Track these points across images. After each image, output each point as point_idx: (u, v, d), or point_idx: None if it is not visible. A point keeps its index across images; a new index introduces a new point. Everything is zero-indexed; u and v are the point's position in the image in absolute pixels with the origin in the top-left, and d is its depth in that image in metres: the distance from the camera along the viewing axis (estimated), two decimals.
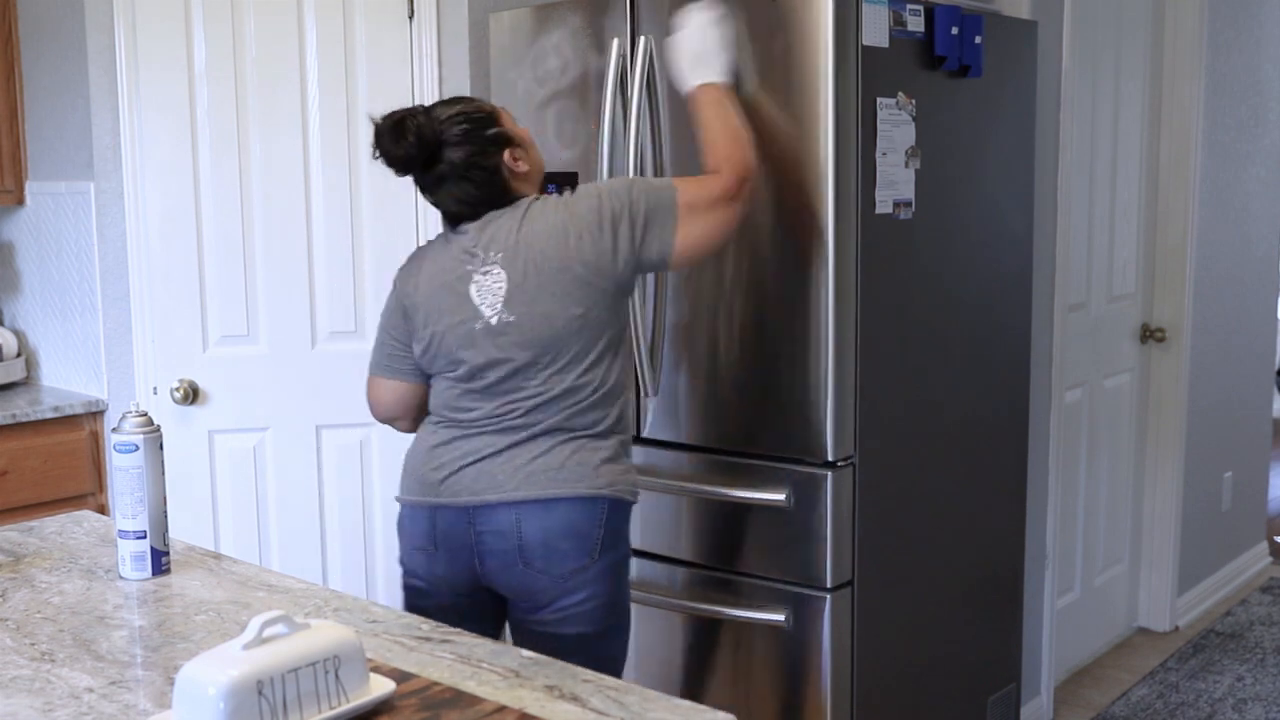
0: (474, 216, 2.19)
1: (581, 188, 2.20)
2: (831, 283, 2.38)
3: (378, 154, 2.16)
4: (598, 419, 2.16)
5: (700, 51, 2.33)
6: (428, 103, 2.39)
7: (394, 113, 2.17)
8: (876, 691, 2.57)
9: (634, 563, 2.71)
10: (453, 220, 2.22)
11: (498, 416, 2.15)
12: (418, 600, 2.23)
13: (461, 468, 2.16)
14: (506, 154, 2.18)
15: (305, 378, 3.10)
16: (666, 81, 2.57)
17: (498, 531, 2.12)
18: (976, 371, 2.85)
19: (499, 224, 2.16)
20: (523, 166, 2.21)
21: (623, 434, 2.21)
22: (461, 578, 2.18)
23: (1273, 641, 4.04)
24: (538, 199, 2.19)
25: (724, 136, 2.25)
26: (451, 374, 2.19)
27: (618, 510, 2.16)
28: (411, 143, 2.13)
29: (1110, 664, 3.91)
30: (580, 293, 2.11)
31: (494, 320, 2.13)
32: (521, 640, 2.18)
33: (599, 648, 2.15)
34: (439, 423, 2.22)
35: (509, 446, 2.14)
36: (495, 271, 2.14)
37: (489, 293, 2.14)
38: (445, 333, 2.17)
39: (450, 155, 2.15)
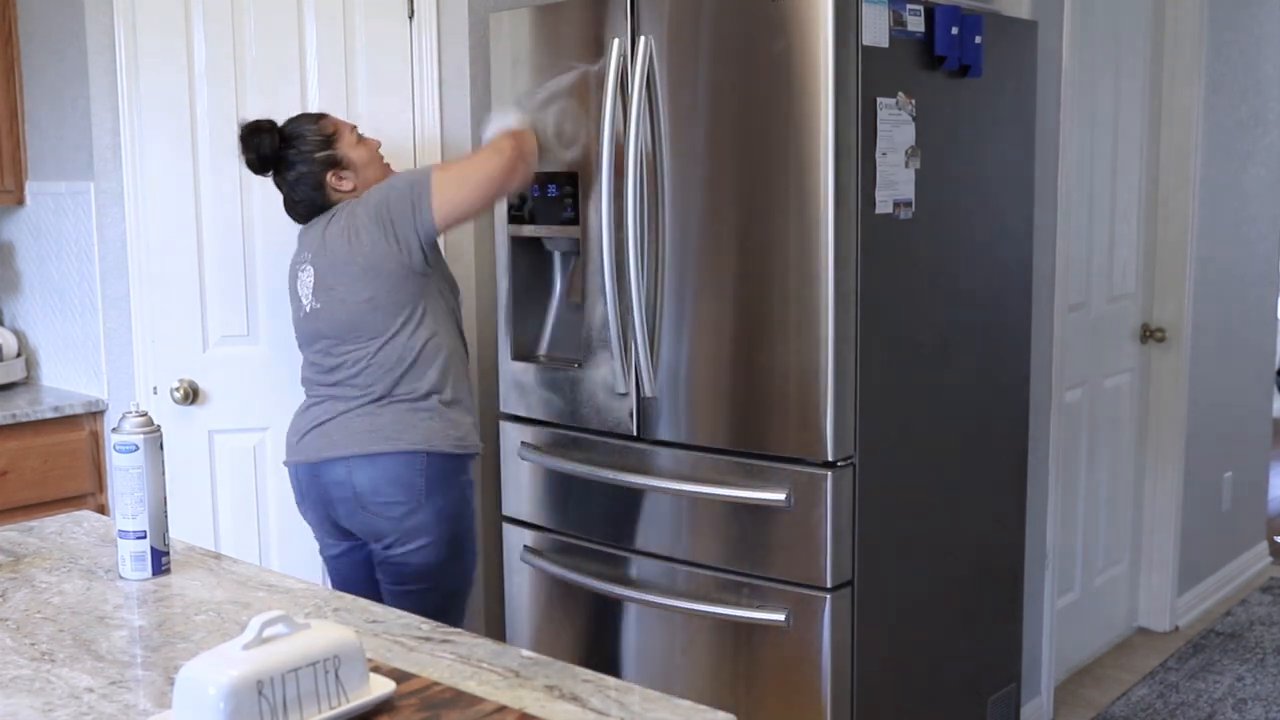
0: (305, 218, 2.68)
1: (367, 193, 2.61)
2: (831, 283, 2.38)
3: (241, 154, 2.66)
4: (413, 385, 2.56)
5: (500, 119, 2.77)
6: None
7: (253, 122, 2.66)
8: (876, 691, 2.57)
9: (634, 562, 2.72)
10: (293, 218, 2.71)
11: (331, 385, 2.61)
12: (321, 550, 2.75)
13: (309, 430, 2.62)
14: (330, 174, 2.63)
15: None
16: (666, 81, 2.57)
17: (337, 482, 2.57)
18: (976, 371, 2.85)
19: (315, 229, 2.64)
20: (346, 186, 2.65)
21: (442, 393, 2.60)
22: (327, 523, 2.66)
23: (1273, 641, 4.04)
24: (343, 206, 2.62)
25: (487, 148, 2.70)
26: (303, 353, 2.70)
27: (438, 461, 2.56)
28: (253, 154, 2.63)
29: (1110, 664, 3.91)
30: (365, 280, 2.54)
31: (308, 308, 2.63)
32: (384, 572, 2.63)
33: (441, 576, 2.61)
34: (306, 394, 2.71)
35: (343, 412, 2.58)
36: (307, 268, 2.63)
37: (306, 286, 2.62)
38: (293, 321, 2.70)
39: (287, 168, 2.64)
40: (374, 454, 2.54)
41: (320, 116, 2.70)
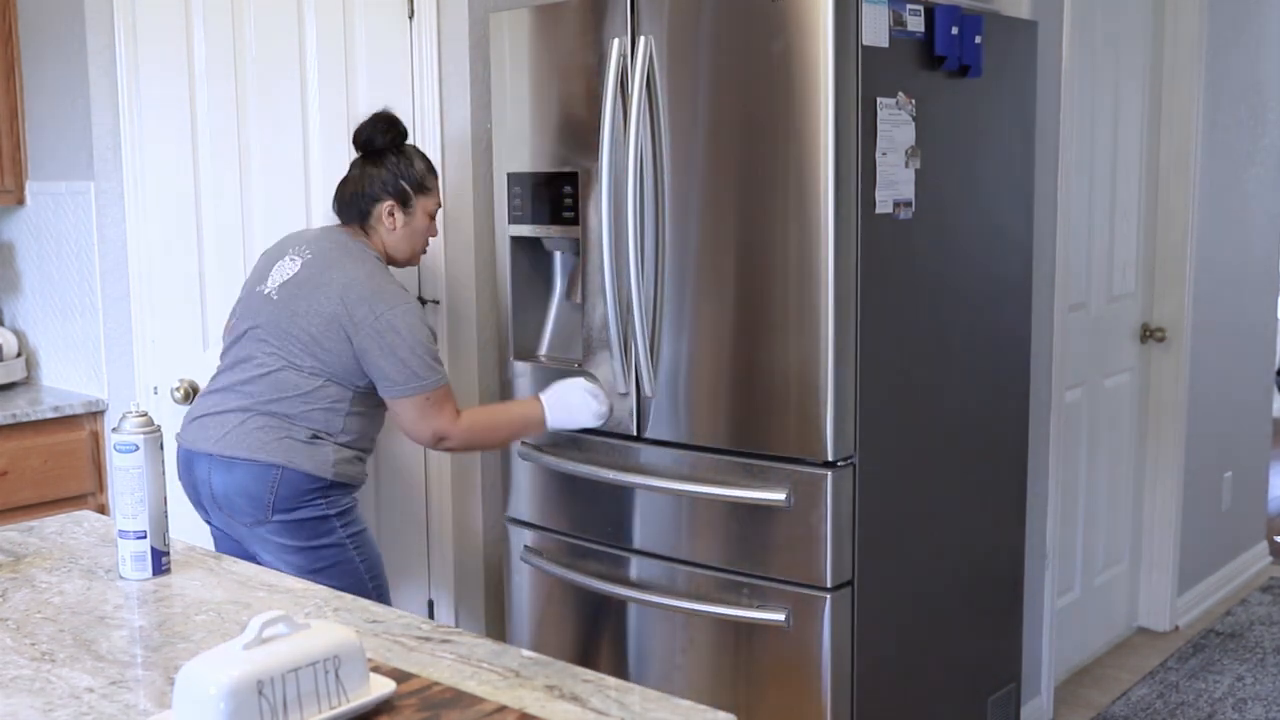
0: (340, 214, 2.67)
1: (386, 305, 2.51)
2: (831, 282, 2.38)
3: (360, 127, 2.65)
4: (298, 411, 2.51)
5: (565, 416, 2.70)
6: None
7: (394, 116, 2.66)
8: (876, 691, 2.57)
9: (634, 562, 2.72)
10: (334, 205, 2.68)
11: (230, 379, 2.58)
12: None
13: (195, 418, 2.61)
14: (388, 204, 2.62)
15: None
16: (666, 81, 2.57)
17: (201, 479, 2.56)
18: (976, 371, 2.85)
19: (331, 242, 2.61)
20: (387, 226, 2.63)
21: (321, 433, 2.53)
22: (200, 509, 2.63)
23: (1273, 641, 4.05)
24: (368, 257, 2.58)
25: (495, 429, 2.71)
26: (225, 332, 2.68)
27: (293, 480, 2.49)
28: (369, 135, 2.62)
29: (1110, 664, 3.91)
30: (328, 329, 2.50)
31: (267, 291, 2.57)
32: None
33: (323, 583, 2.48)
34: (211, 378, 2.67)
35: (224, 410, 2.55)
36: (295, 261, 2.58)
37: (282, 271, 2.58)
38: (241, 294, 2.68)
39: (380, 162, 2.62)
40: (230, 458, 2.51)
41: (434, 169, 2.71)
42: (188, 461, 2.60)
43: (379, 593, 2.64)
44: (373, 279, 2.54)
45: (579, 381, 2.70)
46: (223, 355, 2.66)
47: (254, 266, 2.72)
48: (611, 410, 2.68)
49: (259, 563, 2.56)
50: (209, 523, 2.65)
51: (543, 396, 2.69)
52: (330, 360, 2.52)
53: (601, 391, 2.69)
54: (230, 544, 2.63)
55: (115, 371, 3.14)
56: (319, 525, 2.55)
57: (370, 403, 2.60)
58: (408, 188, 2.63)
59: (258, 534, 2.54)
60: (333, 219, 2.72)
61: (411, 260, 2.73)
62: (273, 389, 2.53)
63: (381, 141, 2.62)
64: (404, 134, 2.67)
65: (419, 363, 2.51)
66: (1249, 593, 4.56)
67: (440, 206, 2.74)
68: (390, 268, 2.67)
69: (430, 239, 2.74)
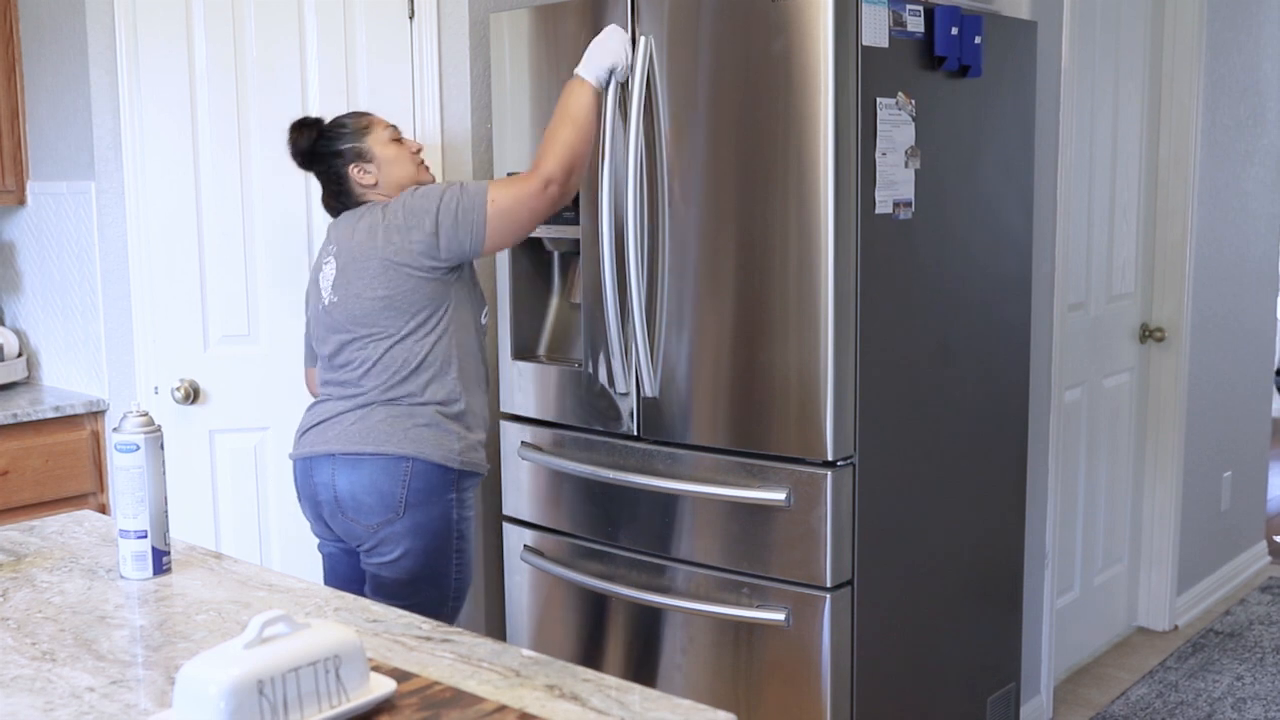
0: (335, 211, 2.68)
1: (404, 194, 2.57)
2: (831, 283, 2.39)
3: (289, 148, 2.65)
4: (414, 390, 2.51)
5: (596, 52, 2.58)
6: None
7: (300, 119, 2.67)
8: (876, 691, 2.57)
9: (634, 561, 2.72)
10: (327, 210, 2.71)
11: (338, 385, 2.57)
12: (319, 545, 2.69)
13: (310, 427, 2.60)
14: (353, 166, 2.61)
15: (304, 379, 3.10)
16: (666, 81, 2.57)
17: (323, 483, 2.54)
18: (976, 371, 2.85)
19: (345, 223, 2.62)
20: (367, 180, 2.61)
21: (445, 404, 2.53)
22: (319, 521, 2.61)
23: (1272, 641, 4.05)
24: (376, 204, 2.59)
25: (557, 130, 2.54)
26: (318, 350, 2.66)
27: (424, 472, 2.48)
28: (292, 148, 2.65)
29: (1110, 663, 3.92)
30: (384, 277, 2.50)
31: (326, 301, 2.59)
32: (367, 578, 2.58)
33: (415, 595, 2.50)
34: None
35: (341, 412, 2.54)
36: (330, 261, 2.60)
37: (327, 279, 2.59)
38: (311, 316, 2.68)
39: (320, 161, 2.64)
40: (357, 454, 2.49)
41: (362, 114, 2.70)
42: (306, 470, 2.58)
43: (452, 613, 2.61)
44: (382, 209, 2.56)
45: (614, 29, 2.61)
46: (320, 384, 2.67)
47: (305, 293, 2.77)
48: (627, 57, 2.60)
49: (363, 592, 2.56)
50: (326, 538, 2.64)
51: (579, 69, 2.58)
52: (404, 287, 2.50)
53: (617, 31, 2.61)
54: (345, 567, 2.63)
55: (116, 371, 3.14)
56: (447, 526, 2.53)
57: (468, 312, 2.59)
58: (350, 146, 2.61)
59: (382, 536, 2.49)
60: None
61: (420, 178, 2.66)
62: (384, 373, 2.52)
63: (306, 144, 2.64)
64: (313, 122, 2.66)
65: (462, 183, 2.54)
66: (1248, 592, 4.56)
67: (389, 126, 2.67)
68: None
69: (416, 152, 2.68)
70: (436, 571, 2.54)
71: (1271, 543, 5.10)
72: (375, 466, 2.48)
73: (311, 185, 3.07)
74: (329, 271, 2.60)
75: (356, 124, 2.65)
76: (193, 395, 3.08)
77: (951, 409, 2.77)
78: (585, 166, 2.56)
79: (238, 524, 3.15)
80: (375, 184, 2.62)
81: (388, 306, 2.51)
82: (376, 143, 2.62)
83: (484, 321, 2.69)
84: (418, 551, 2.50)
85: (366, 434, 2.49)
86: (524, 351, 2.93)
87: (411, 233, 2.50)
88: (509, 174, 2.52)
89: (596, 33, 2.66)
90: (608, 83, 2.59)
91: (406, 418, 2.50)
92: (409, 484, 2.48)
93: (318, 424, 2.59)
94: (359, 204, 2.63)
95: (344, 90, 3.06)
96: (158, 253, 3.06)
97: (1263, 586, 4.63)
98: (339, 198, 2.65)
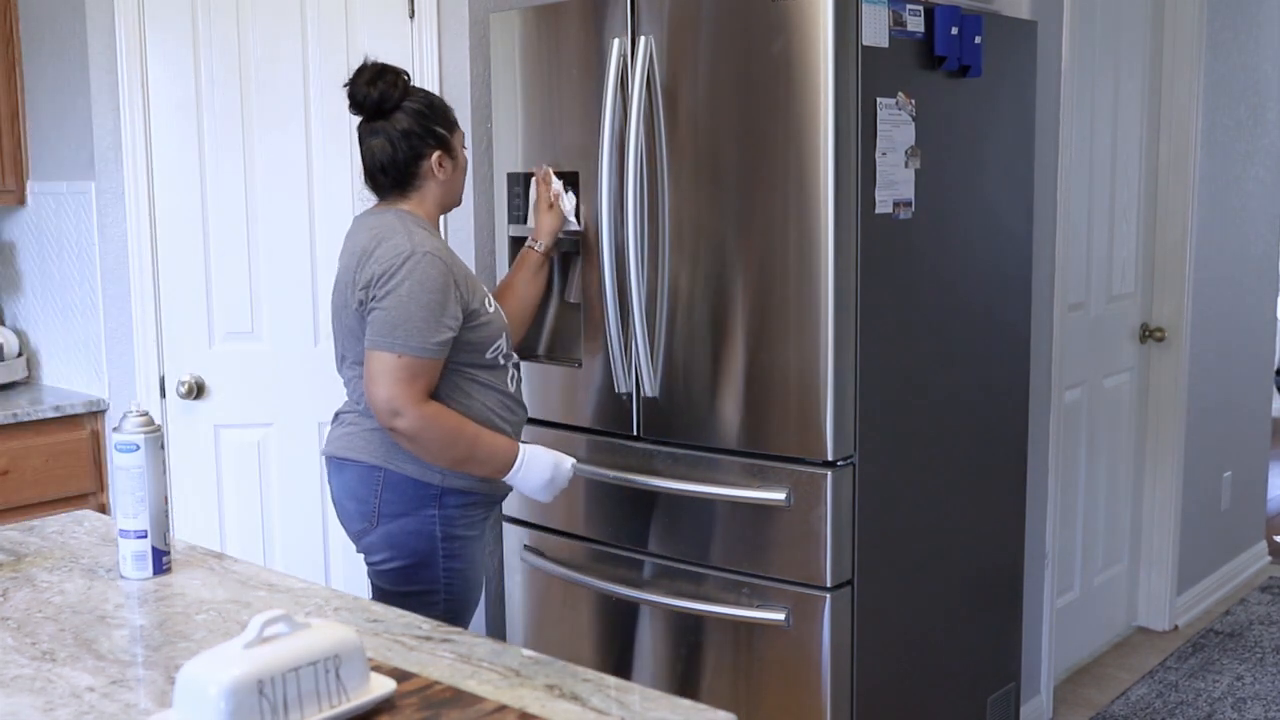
0: (375, 180, 2.38)
1: (396, 257, 2.26)
2: (831, 283, 2.39)
3: (347, 84, 2.36)
4: None
5: (540, 459, 2.43)
6: None
7: (382, 64, 2.36)
8: (876, 691, 2.57)
9: (634, 561, 2.72)
10: (370, 187, 2.41)
11: (345, 385, 2.47)
12: None
13: (330, 424, 2.52)
14: (437, 154, 2.36)
15: (308, 375, 3.10)
16: (666, 81, 2.57)
17: (327, 480, 2.48)
18: (976, 371, 2.85)
19: (356, 228, 2.39)
20: (440, 175, 2.38)
21: None
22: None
23: (1272, 641, 4.05)
24: (386, 223, 2.32)
25: (459, 442, 2.32)
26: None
27: (396, 483, 2.34)
28: (375, 93, 2.32)
29: (1109, 663, 3.92)
30: (351, 310, 2.32)
31: (331, 303, 2.44)
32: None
33: (402, 604, 2.14)
34: None
35: (342, 413, 2.47)
36: (339, 264, 2.40)
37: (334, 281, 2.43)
38: None
39: (397, 119, 2.33)
40: (341, 459, 2.40)
41: (448, 106, 2.45)
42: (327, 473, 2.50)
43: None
44: (386, 240, 2.29)
45: (563, 463, 2.45)
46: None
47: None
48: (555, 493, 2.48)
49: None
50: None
51: (524, 446, 2.41)
52: (366, 329, 2.30)
53: (566, 483, 2.48)
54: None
55: (116, 371, 3.14)
56: (427, 544, 2.37)
57: (461, 376, 2.35)
58: (442, 130, 2.37)
59: (365, 543, 2.40)
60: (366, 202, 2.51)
61: (460, 201, 2.49)
62: (359, 386, 2.38)
63: (394, 102, 2.33)
64: (403, 76, 2.37)
65: (415, 319, 2.23)
66: (1248, 592, 4.56)
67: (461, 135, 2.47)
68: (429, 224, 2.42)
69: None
70: (422, 587, 2.39)
71: (1271, 543, 5.10)
72: (353, 473, 2.39)
73: (314, 183, 3.07)
74: (336, 271, 2.44)
75: (450, 113, 2.41)
76: (197, 390, 3.09)
77: (951, 409, 2.77)
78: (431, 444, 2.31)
79: (242, 519, 3.15)
80: (444, 180, 2.39)
81: (357, 341, 2.34)
82: (459, 141, 2.43)
83: (499, 355, 2.41)
84: (399, 562, 2.38)
85: (350, 440, 2.40)
86: (524, 351, 2.93)
87: (358, 293, 2.29)
88: (423, 358, 2.25)
89: (596, 32, 2.67)
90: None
91: (379, 428, 2.34)
92: (381, 494, 2.36)
93: (331, 422, 2.53)
94: (403, 193, 2.37)
95: (345, 90, 3.05)
96: (164, 250, 3.07)
97: (1263, 586, 4.63)
98: (389, 168, 2.35)
